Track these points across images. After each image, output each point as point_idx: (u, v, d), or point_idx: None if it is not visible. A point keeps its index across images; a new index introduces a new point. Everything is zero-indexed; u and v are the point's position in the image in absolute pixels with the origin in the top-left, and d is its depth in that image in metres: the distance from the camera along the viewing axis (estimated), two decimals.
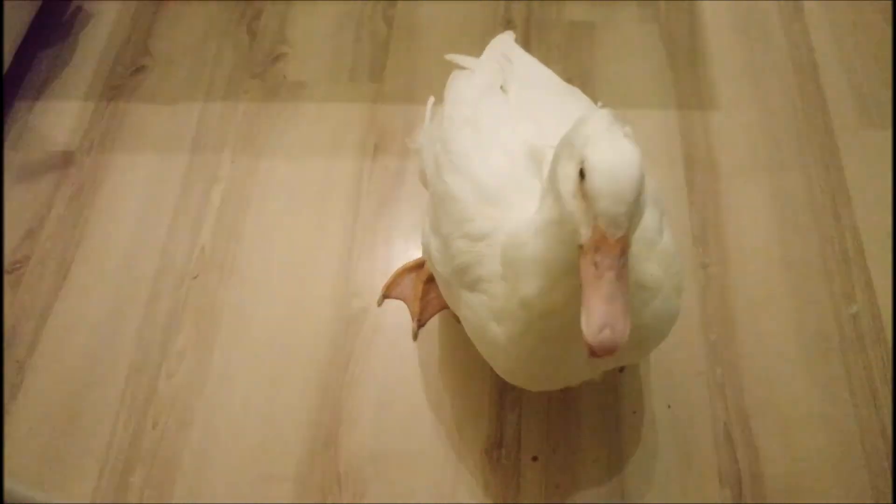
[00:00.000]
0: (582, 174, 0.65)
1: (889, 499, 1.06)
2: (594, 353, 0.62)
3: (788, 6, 1.64)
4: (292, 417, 1.14)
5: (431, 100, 1.14)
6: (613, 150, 0.65)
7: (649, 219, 0.83)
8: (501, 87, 1.00)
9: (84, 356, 1.20)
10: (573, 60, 1.57)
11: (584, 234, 0.65)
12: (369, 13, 1.65)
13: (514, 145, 0.89)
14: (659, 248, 0.82)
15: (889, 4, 1.62)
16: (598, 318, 0.62)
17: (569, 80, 1.51)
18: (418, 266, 1.25)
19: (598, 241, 0.64)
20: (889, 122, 1.45)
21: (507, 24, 1.62)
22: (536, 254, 0.76)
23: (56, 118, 1.49)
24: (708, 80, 1.54)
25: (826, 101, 1.49)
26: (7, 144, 1.46)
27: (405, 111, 1.49)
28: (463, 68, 1.10)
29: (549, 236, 0.74)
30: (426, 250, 1.00)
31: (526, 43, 1.59)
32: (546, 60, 1.54)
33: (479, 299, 0.85)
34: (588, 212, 0.65)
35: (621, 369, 1.17)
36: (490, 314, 0.84)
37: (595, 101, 1.07)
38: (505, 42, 1.12)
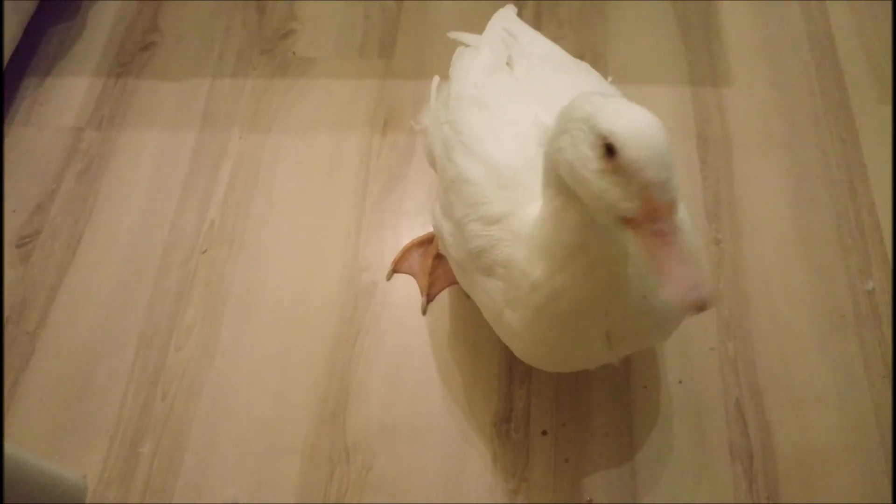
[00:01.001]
0: (610, 150, 0.63)
1: None
2: (692, 311, 0.62)
3: None
4: (301, 390, 1.14)
5: (436, 80, 1.13)
6: (638, 119, 0.63)
7: None
8: (507, 64, 0.98)
9: (94, 329, 1.20)
10: (585, 36, 1.55)
11: (630, 207, 0.63)
12: None
13: (524, 125, 0.88)
14: None
15: None
16: (685, 280, 0.61)
17: (580, 56, 1.49)
18: (427, 241, 1.25)
19: (651, 210, 0.62)
20: None
21: (518, 0, 1.60)
22: (544, 238, 0.76)
23: (66, 94, 1.49)
24: (722, 56, 1.51)
25: (843, 76, 1.46)
26: (17, 121, 1.46)
27: (415, 87, 1.48)
28: (467, 45, 1.08)
29: (555, 223, 0.74)
30: (438, 233, 0.99)
31: (537, 18, 1.58)
32: (557, 36, 1.54)
33: (495, 285, 0.84)
34: (629, 185, 0.63)
35: None
36: (504, 300, 0.83)
37: (605, 76, 1.05)
38: (507, 17, 1.09)
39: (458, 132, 0.92)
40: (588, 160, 0.65)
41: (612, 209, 0.65)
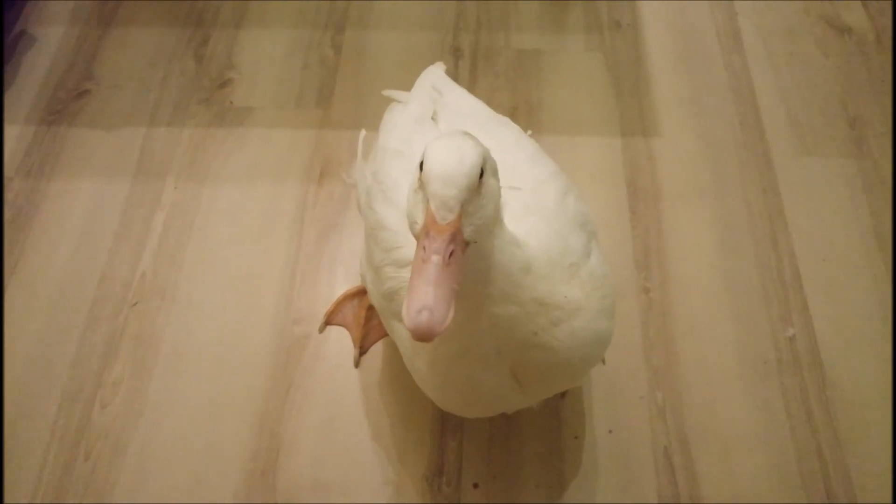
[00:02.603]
0: (422, 167, 0.66)
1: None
2: (413, 336, 0.60)
3: (728, 38, 1.69)
4: (230, 447, 1.12)
5: (363, 134, 1.16)
6: (450, 141, 0.66)
7: (574, 242, 0.85)
8: (433, 118, 1.01)
9: (14, 386, 1.17)
10: (520, 88, 1.59)
11: (418, 222, 0.65)
12: (318, 40, 1.65)
13: None
14: (584, 271, 0.83)
15: (822, 38, 1.68)
16: (418, 300, 0.60)
17: (514, 108, 1.55)
18: (361, 292, 1.25)
19: (428, 225, 0.63)
20: (825, 150, 1.49)
21: (455, 52, 1.64)
22: None
23: None
24: (651, 108, 1.57)
25: (764, 129, 1.53)
26: None
27: (352, 137, 1.49)
28: (399, 101, 1.12)
29: None
30: (364, 282, 1.01)
31: (474, 70, 1.61)
32: (493, 88, 1.58)
33: (405, 331, 0.85)
34: (423, 199, 0.65)
35: (563, 395, 1.17)
36: (412, 346, 0.85)
37: (526, 129, 1.09)
38: (435, 74, 1.14)
39: (379, 182, 0.95)
40: (413, 178, 0.68)
41: (411, 224, 0.66)
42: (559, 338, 0.79)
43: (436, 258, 0.61)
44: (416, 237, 0.65)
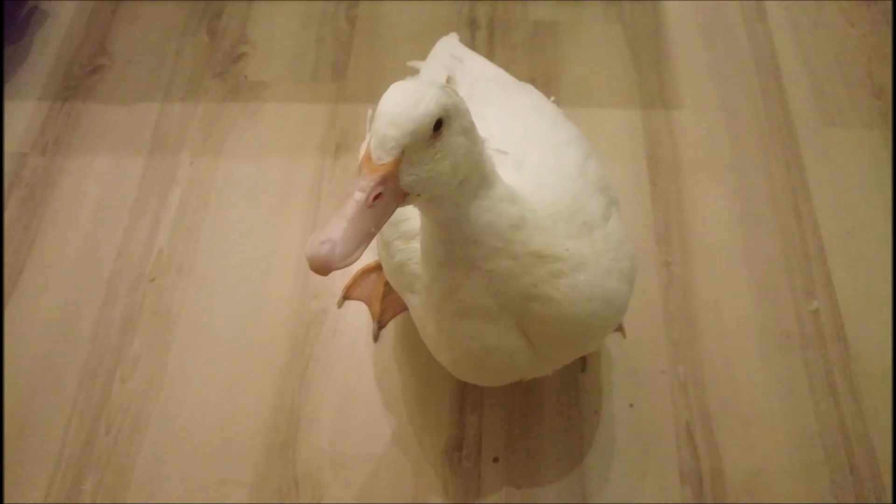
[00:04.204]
0: None
1: (851, 496, 1.07)
2: (310, 265, 0.57)
3: (751, 7, 1.65)
4: (250, 421, 1.12)
5: (370, 112, 1.15)
6: (416, 85, 0.63)
7: (592, 204, 0.83)
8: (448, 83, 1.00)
9: (35, 361, 1.17)
10: (537, 60, 1.56)
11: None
12: (332, 12, 1.63)
13: None
14: (599, 233, 0.82)
15: (847, 6, 1.64)
16: (325, 231, 0.57)
17: (532, 80, 1.52)
18: (379, 267, 1.24)
19: (363, 162, 0.61)
20: (850, 121, 1.46)
21: (472, 24, 1.61)
22: (421, 247, 0.78)
23: (10, 119, 1.46)
24: (672, 80, 1.54)
25: (788, 100, 1.50)
26: None
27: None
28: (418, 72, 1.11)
29: (423, 233, 0.76)
30: (380, 258, 1.01)
31: (490, 42, 1.59)
32: (510, 60, 1.56)
33: (417, 300, 0.86)
34: (370, 137, 0.62)
35: (583, 368, 1.16)
36: (424, 313, 0.85)
37: (548, 97, 1.07)
38: (450, 43, 1.13)
39: None
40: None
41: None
42: (561, 289, 0.77)
43: (358, 195, 0.59)
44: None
